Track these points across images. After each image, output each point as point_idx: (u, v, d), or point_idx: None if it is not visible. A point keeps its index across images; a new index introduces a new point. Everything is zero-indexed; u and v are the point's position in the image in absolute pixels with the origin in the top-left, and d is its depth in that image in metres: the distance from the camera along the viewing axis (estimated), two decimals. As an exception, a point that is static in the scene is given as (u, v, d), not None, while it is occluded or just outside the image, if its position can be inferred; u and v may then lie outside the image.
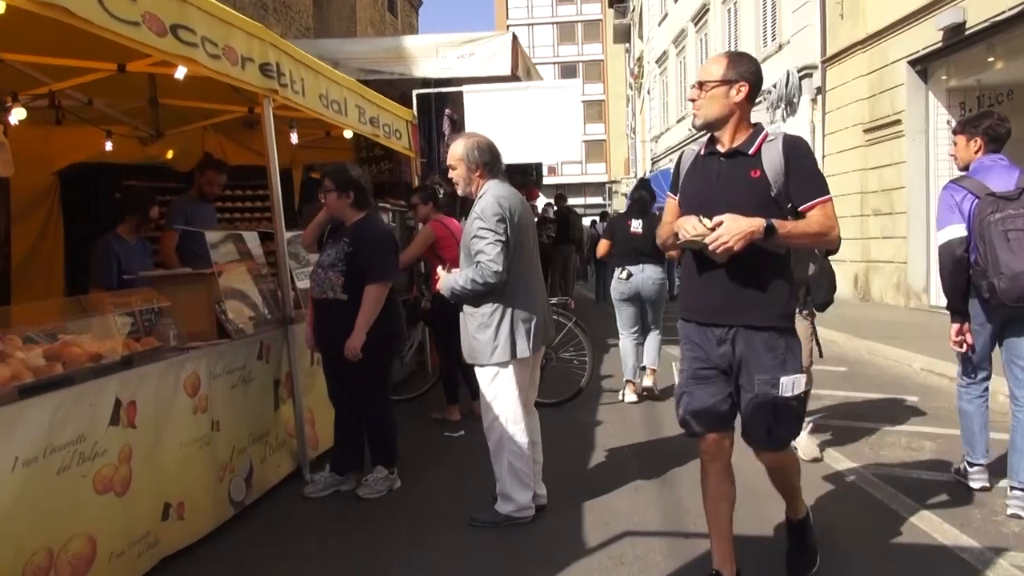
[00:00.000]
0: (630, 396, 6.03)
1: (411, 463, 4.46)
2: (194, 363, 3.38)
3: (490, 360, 3.43)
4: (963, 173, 3.71)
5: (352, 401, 4.03)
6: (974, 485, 3.76)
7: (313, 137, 7.30)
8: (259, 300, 4.23)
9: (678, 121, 23.06)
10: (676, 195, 2.77)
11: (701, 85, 2.60)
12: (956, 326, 3.65)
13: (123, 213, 4.63)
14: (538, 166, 12.74)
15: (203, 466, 3.41)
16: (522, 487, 3.51)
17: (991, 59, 9.21)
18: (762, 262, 2.53)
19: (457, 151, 3.51)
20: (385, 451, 4.04)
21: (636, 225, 5.98)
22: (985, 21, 8.87)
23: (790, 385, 2.56)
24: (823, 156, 13.45)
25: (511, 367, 3.44)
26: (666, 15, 24.80)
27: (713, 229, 2.40)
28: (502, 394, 3.47)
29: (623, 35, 36.02)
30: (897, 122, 11.00)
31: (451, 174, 3.57)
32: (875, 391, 6.25)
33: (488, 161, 3.49)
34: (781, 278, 2.59)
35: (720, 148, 2.62)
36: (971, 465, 3.78)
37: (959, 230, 3.52)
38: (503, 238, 3.37)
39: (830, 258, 3.61)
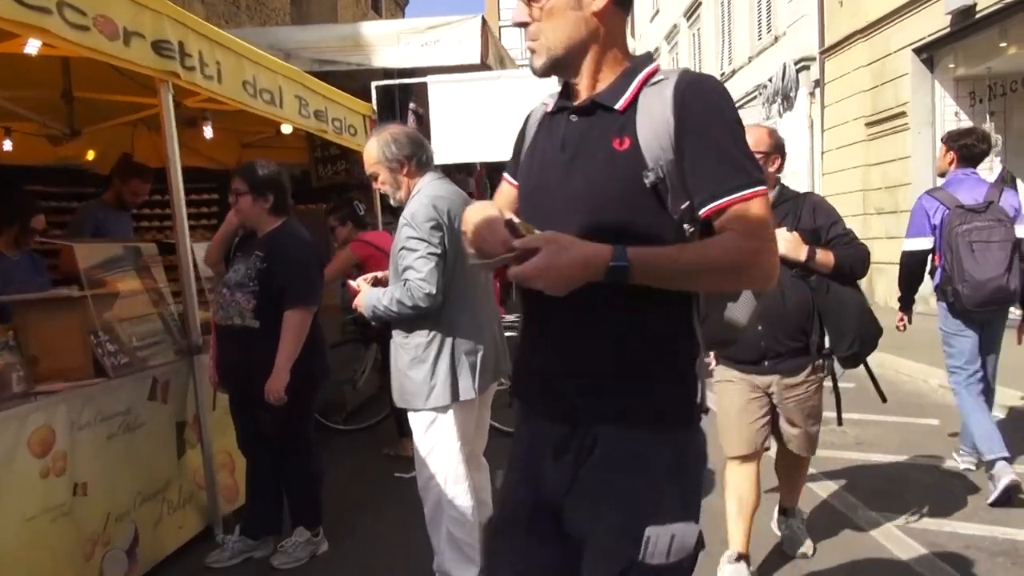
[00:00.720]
0: None
1: (348, 514, 3.76)
2: (45, 413, 2.65)
3: (425, 404, 2.73)
4: (941, 182, 4.03)
5: (268, 449, 3.33)
6: (1003, 481, 3.59)
7: (263, 135, 6.61)
8: (157, 327, 3.52)
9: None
10: (514, 175, 1.66)
11: None
12: (901, 314, 4.14)
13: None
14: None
15: (59, 542, 2.69)
16: (464, 562, 2.80)
17: (1003, 44, 8.58)
18: (634, 302, 1.35)
19: (371, 154, 2.82)
20: (307, 508, 3.34)
21: None
22: (997, 3, 8.22)
23: (665, 542, 1.34)
24: (822, 152, 12.78)
25: (451, 412, 2.74)
26: (657, 11, 24.25)
27: (533, 250, 1.26)
28: (440, 446, 2.77)
29: (615, 33, 35.44)
30: (901, 114, 10.35)
31: (375, 185, 2.89)
32: (890, 413, 5.53)
33: (411, 153, 2.80)
34: (672, 334, 1.41)
35: (574, 101, 1.50)
36: (993, 462, 3.67)
37: (926, 243, 3.88)
38: (438, 251, 2.68)
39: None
